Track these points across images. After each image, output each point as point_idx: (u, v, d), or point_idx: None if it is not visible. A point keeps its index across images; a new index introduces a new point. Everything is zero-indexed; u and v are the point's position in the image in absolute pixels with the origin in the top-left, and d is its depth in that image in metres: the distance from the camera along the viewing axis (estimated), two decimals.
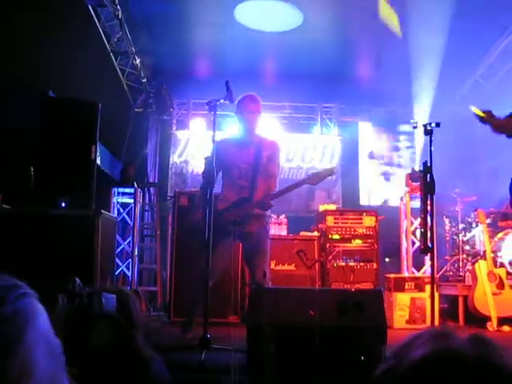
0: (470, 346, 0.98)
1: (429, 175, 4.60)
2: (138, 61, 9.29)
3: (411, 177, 8.10)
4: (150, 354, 1.82)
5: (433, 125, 4.55)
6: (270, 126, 10.81)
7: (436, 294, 6.07)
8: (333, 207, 8.40)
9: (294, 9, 8.48)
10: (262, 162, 5.06)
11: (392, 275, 7.15)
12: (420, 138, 10.48)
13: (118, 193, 8.39)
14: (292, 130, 11.07)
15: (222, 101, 4.56)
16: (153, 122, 11.00)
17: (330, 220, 7.81)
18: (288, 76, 9.99)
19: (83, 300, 1.89)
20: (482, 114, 4.43)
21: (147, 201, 9.43)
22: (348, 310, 3.85)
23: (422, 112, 9.84)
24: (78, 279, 2.08)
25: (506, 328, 6.56)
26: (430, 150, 4.60)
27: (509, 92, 9.94)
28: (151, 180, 10.49)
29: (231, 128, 8.97)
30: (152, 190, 9.53)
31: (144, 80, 9.95)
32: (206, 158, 4.81)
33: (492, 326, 6.55)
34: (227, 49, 9.24)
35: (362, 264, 7.62)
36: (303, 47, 9.22)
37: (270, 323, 3.70)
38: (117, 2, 7.73)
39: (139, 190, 8.45)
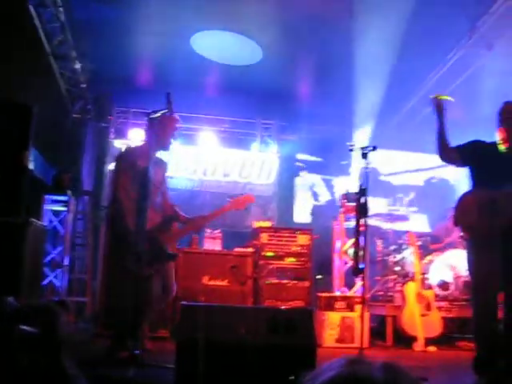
0: (380, 372, 0.99)
1: (363, 197, 4.67)
2: (78, 65, 9.11)
3: (346, 197, 8.20)
4: (74, 373, 1.76)
5: (370, 148, 4.63)
6: (207, 139, 10.81)
7: (366, 314, 6.17)
8: (268, 224, 8.42)
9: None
10: (162, 182, 5.07)
11: (324, 294, 7.21)
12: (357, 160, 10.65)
13: (52, 200, 8.16)
14: (231, 145, 11.06)
15: (161, 112, 4.51)
16: (90, 129, 10.79)
17: (264, 237, 7.83)
18: (229, 90, 10.00)
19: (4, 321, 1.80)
20: (451, 99, 4.53)
21: (80, 209, 9.23)
22: (279, 329, 3.85)
23: (361, 134, 10.02)
24: (9, 298, 1.97)
25: (431, 348, 6.72)
26: (366, 173, 4.67)
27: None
28: (86, 188, 10.27)
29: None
30: (86, 198, 9.34)
31: (84, 85, 9.76)
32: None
33: (418, 346, 6.69)
34: (170, 60, 9.19)
35: (294, 282, 7.66)
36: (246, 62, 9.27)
37: (199, 340, 3.66)
38: (59, 3, 7.56)
39: (73, 198, 8.27)
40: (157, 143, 4.72)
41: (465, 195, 4.44)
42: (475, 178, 4.46)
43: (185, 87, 8.26)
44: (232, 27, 8.50)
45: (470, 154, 4.49)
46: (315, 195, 11.62)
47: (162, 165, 5.08)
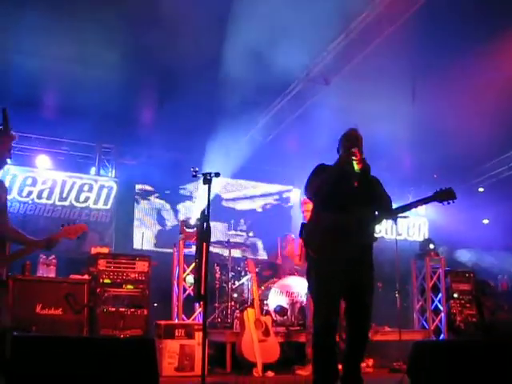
0: None
1: (205, 223, 4.66)
2: None
3: (185, 224, 8.16)
4: None
5: (213, 174, 4.64)
6: (43, 161, 10.35)
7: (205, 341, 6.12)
8: (105, 250, 8.17)
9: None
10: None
11: (163, 322, 7.07)
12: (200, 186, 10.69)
13: None
14: (68, 168, 10.66)
15: None
16: None
17: (102, 263, 7.59)
18: (68, 112, 9.62)
19: None
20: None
21: None
22: (118, 360, 3.70)
23: (206, 161, 10.06)
24: None
25: (270, 374, 6.80)
26: (209, 199, 4.67)
27: (281, 148, 10.67)
28: None
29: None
30: None
31: None
32: None
33: (257, 371, 6.74)
34: (7, 75, 8.67)
35: (132, 310, 7.48)
36: (86, 83, 8.95)
37: (31, 374, 3.42)
38: None
39: None
40: None
41: (317, 217, 4.58)
42: (326, 200, 4.57)
43: (21, 105, 7.87)
44: None
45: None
46: (162, 220, 11.48)
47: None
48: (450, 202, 4.67)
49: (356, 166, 4.55)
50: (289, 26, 7.33)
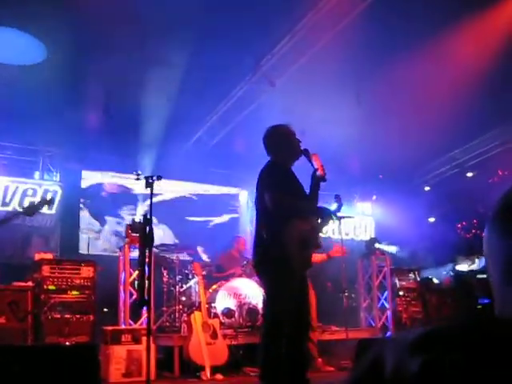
0: None
1: (148, 227, 4.63)
2: None
3: (131, 228, 8.08)
4: None
5: (155, 178, 4.63)
6: None
7: (152, 346, 6.08)
8: (50, 256, 8.03)
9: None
10: None
11: (109, 327, 6.99)
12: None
13: None
14: (12, 173, 10.42)
15: None
16: None
17: (46, 269, 7.46)
18: (13, 115, 9.37)
19: None
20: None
21: None
22: (62, 368, 3.64)
23: (147, 163, 10.00)
24: None
25: (219, 376, 6.80)
26: (151, 202, 4.64)
27: (227, 151, 10.68)
28: None
29: None
30: None
31: None
32: None
33: (206, 374, 6.72)
34: None
35: (78, 316, 7.37)
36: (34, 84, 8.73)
37: None
38: None
39: None
40: None
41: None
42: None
43: None
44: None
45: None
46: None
47: None
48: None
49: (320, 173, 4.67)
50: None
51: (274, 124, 5.02)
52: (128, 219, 10.47)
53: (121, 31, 7.45)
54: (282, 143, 4.85)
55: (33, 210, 4.64)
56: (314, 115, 9.01)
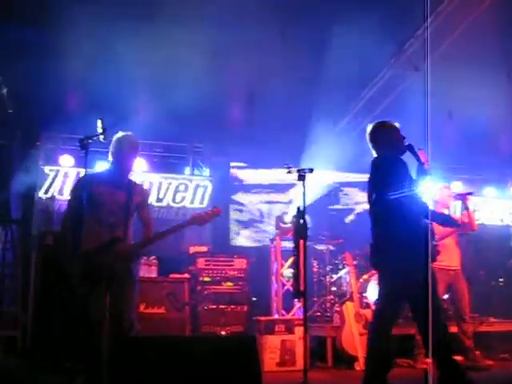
0: None
1: (301, 219, 4.66)
2: (4, 91, 8.81)
3: (281, 219, 8.19)
4: None
5: (307, 170, 4.63)
6: (140, 164, 10.61)
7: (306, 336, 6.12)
8: (204, 249, 8.32)
9: None
10: (132, 206, 4.78)
11: (263, 318, 7.14)
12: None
13: None
14: (163, 170, 10.88)
15: (94, 138, 4.36)
16: (17, 155, 10.39)
17: (200, 262, 7.76)
18: (161, 114, 9.80)
19: None
20: None
21: (9, 238, 8.82)
22: (222, 359, 3.75)
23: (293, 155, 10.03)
24: None
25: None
26: (304, 195, 4.66)
27: None
28: (14, 216, 9.84)
29: (101, 165, 8.60)
30: (14, 227, 8.95)
31: (10, 111, 9.40)
32: (72, 193, 4.63)
33: (359, 365, 6.68)
34: (99, 84, 8.94)
35: (232, 306, 7.59)
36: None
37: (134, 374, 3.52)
38: None
39: (0, 227, 7.94)
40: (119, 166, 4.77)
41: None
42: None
43: (113, 112, 8.09)
44: None
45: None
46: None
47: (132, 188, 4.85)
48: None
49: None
50: None
51: (380, 120, 4.92)
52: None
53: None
54: (388, 139, 4.72)
55: (201, 221, 4.86)
56: (459, 95, 8.64)
